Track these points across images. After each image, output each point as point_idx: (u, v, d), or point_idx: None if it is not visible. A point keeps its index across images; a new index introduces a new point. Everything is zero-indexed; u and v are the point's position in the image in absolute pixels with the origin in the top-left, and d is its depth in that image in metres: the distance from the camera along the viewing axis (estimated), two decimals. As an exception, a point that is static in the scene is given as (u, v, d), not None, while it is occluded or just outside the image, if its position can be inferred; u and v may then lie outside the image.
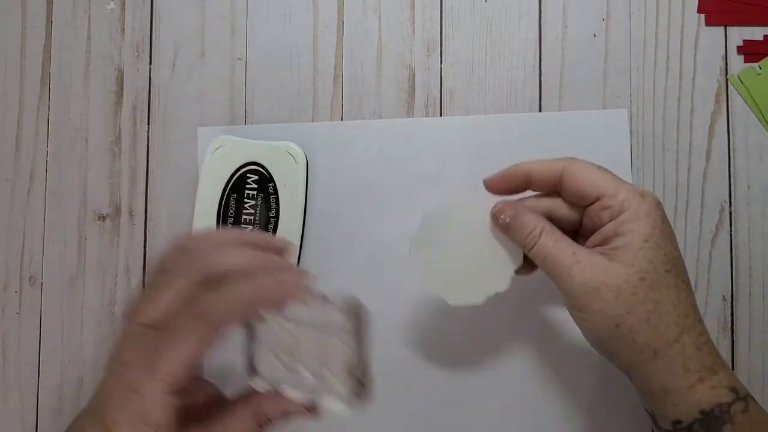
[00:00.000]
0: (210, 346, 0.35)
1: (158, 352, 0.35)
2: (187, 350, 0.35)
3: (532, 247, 0.41)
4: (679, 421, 0.38)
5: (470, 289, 0.43)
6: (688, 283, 0.40)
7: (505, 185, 0.43)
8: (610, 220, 0.40)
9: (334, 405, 0.38)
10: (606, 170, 0.41)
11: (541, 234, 0.40)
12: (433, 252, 0.44)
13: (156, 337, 0.35)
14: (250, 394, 0.38)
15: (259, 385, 0.39)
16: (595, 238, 0.40)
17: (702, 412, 0.37)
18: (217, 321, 0.35)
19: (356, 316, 0.38)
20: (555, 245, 0.40)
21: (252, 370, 0.39)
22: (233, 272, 0.35)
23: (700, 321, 0.40)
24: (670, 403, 0.38)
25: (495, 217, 0.42)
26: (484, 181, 0.44)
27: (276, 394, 0.38)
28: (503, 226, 0.42)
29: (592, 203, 0.41)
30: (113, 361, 0.37)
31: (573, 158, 0.41)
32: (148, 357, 0.35)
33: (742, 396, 0.38)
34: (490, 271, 0.43)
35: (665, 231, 0.39)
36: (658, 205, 0.40)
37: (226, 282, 0.35)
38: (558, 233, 0.41)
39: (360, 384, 0.38)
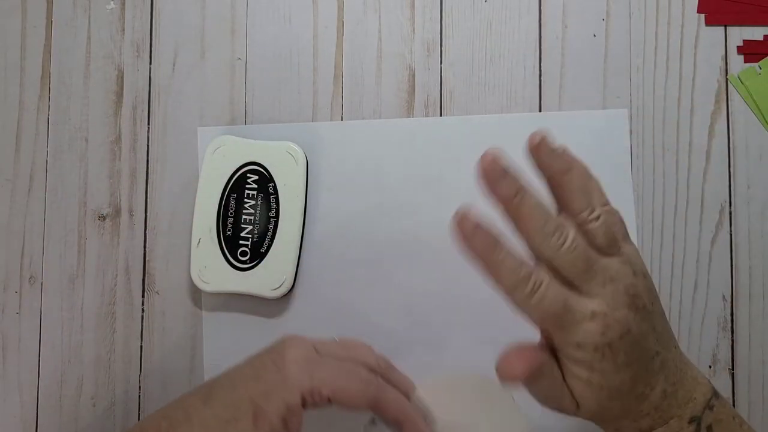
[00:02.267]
0: (353, 403, 0.40)
1: (320, 368, 0.40)
2: (342, 385, 0.40)
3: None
4: None
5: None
6: None
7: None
8: None
9: None
10: None
11: None
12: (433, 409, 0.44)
13: (324, 359, 0.41)
14: None
15: None
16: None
17: None
18: (380, 395, 0.40)
19: None
20: None
21: None
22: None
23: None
24: None
25: None
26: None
27: None
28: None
29: None
30: (271, 351, 0.41)
31: None
32: (310, 365, 0.40)
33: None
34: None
35: None
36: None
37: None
38: None
39: None
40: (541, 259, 0.35)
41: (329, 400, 0.40)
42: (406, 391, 0.43)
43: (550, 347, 0.36)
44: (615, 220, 0.36)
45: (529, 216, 0.34)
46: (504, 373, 0.35)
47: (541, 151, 0.37)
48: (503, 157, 0.35)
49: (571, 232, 0.35)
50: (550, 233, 0.34)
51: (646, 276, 0.36)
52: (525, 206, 0.34)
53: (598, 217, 0.35)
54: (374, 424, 0.43)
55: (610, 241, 0.35)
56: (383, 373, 0.43)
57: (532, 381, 0.35)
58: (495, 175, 0.35)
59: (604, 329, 0.34)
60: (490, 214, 0.35)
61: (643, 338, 0.35)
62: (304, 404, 0.39)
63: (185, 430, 0.39)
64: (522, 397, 0.38)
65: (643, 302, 0.35)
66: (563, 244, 0.34)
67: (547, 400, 0.36)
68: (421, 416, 0.42)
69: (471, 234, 0.35)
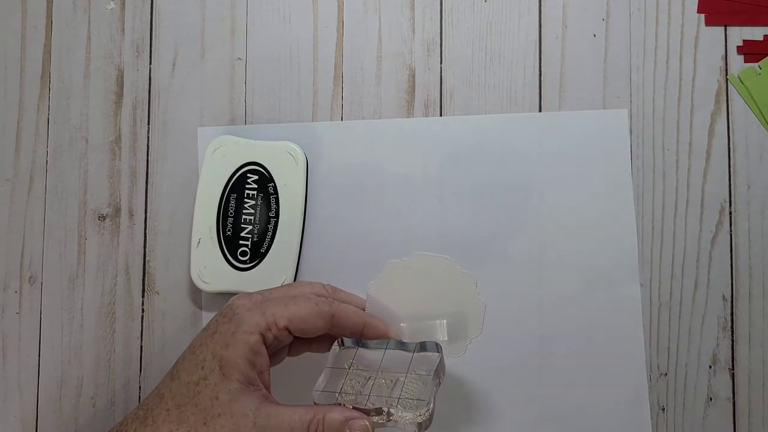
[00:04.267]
0: (310, 325, 0.41)
1: (270, 304, 0.41)
2: (295, 311, 0.41)
3: None
4: None
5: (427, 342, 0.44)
6: None
7: None
8: None
9: (394, 425, 0.41)
10: None
11: None
12: (391, 304, 0.45)
13: (272, 299, 0.42)
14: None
15: (318, 398, 0.41)
16: None
17: None
18: (335, 309, 0.42)
19: (434, 364, 0.42)
20: None
21: (321, 388, 0.42)
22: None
23: None
24: None
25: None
26: None
27: (338, 405, 0.41)
28: None
29: None
30: (220, 312, 0.42)
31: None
32: (260, 306, 0.41)
33: None
34: (447, 335, 0.45)
35: None
36: None
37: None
38: None
39: (425, 418, 0.40)
40: None
41: (288, 331, 0.41)
42: (357, 304, 0.45)
43: None
44: None
45: None
46: None
47: None
48: None
49: None
50: None
51: None
52: None
53: None
54: (342, 345, 0.44)
55: None
56: (331, 294, 0.45)
57: None
58: None
59: None
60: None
61: None
62: (265, 342, 0.40)
63: (160, 410, 0.40)
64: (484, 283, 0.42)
65: None
66: None
67: None
68: (379, 318, 0.44)
69: None
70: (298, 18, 0.53)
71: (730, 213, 0.51)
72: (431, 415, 0.40)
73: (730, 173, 0.51)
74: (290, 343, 0.45)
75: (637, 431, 0.49)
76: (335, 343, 0.44)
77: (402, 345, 0.44)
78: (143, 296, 0.52)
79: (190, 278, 0.50)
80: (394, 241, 0.51)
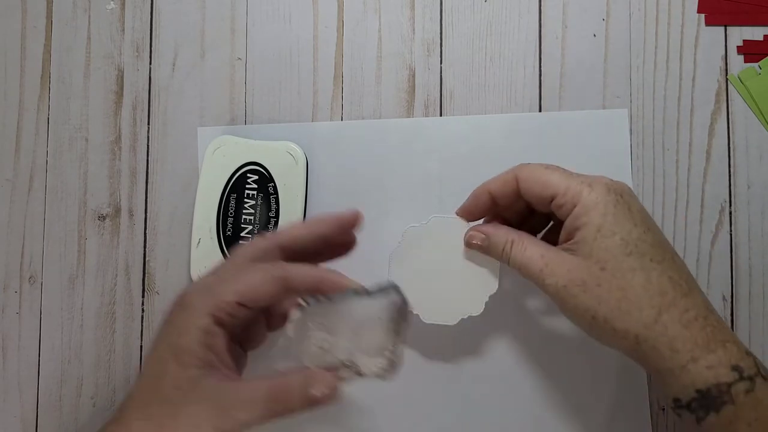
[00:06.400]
0: (262, 293, 0.39)
1: (218, 283, 0.40)
2: (243, 283, 0.39)
3: (508, 261, 0.43)
4: (678, 399, 0.39)
5: (445, 308, 0.46)
6: (662, 260, 0.40)
7: (475, 209, 0.45)
8: (567, 216, 0.41)
9: (361, 375, 0.40)
10: (555, 167, 0.42)
11: (511, 247, 0.42)
12: (412, 268, 0.46)
13: (221, 277, 0.41)
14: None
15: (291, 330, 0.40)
16: (563, 236, 0.42)
17: (698, 391, 0.38)
18: (287, 271, 0.40)
19: (394, 306, 0.41)
20: (524, 254, 0.42)
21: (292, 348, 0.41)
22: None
23: (686, 295, 0.39)
24: (666, 383, 0.39)
25: (468, 244, 0.45)
26: (456, 212, 0.46)
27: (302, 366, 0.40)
28: (479, 249, 0.44)
29: (550, 202, 0.42)
30: (173, 302, 0.41)
31: (522, 164, 0.43)
32: (209, 288, 0.40)
33: (747, 376, 0.37)
34: (465, 293, 0.46)
35: (619, 215, 0.40)
36: (609, 191, 0.40)
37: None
38: (527, 240, 0.42)
39: (389, 363, 0.40)
40: None
41: (241, 305, 0.39)
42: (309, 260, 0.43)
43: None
44: None
45: None
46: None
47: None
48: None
49: None
50: None
51: None
52: None
53: None
54: (305, 306, 0.41)
55: None
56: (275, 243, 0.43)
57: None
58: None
59: None
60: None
61: None
62: (221, 322, 0.39)
63: (131, 409, 0.39)
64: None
65: None
66: None
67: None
68: (335, 271, 0.42)
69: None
70: (298, 18, 0.53)
71: (730, 213, 0.51)
72: (396, 360, 0.39)
73: (730, 173, 0.51)
74: (267, 318, 0.44)
75: (637, 431, 0.49)
76: (294, 310, 0.41)
77: (365, 294, 0.41)
78: (143, 296, 0.52)
79: (190, 278, 0.50)
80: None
